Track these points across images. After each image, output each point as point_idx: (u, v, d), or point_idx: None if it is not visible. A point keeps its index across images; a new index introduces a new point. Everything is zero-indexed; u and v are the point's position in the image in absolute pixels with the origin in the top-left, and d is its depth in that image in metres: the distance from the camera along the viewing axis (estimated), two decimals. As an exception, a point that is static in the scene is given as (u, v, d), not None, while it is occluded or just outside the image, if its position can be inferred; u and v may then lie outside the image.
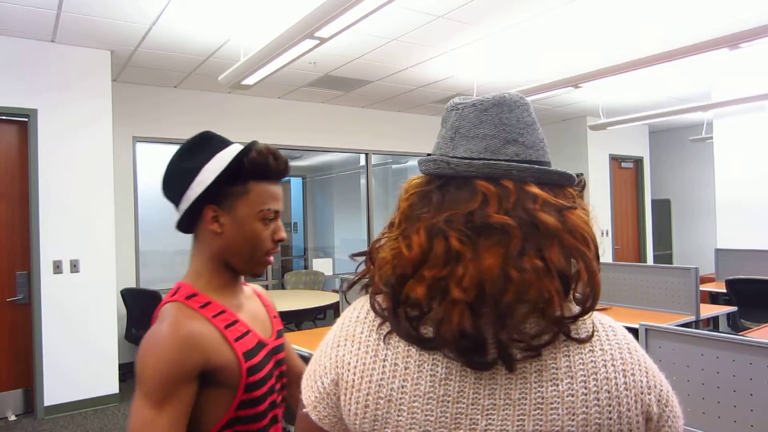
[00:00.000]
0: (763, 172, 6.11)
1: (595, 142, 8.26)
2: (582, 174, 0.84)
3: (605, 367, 0.66)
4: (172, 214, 1.15)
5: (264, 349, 1.08)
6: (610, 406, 0.64)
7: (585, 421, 0.62)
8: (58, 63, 4.38)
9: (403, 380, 0.67)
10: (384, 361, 0.69)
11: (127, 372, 5.25)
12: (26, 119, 4.28)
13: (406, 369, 0.67)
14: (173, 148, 1.18)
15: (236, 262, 1.09)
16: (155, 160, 6.02)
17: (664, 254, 9.62)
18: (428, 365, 0.66)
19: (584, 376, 0.65)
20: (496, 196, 0.68)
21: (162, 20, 3.96)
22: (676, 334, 1.87)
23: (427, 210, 0.71)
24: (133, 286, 5.52)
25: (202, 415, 0.99)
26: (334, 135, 6.95)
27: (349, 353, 0.72)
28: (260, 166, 1.05)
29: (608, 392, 0.64)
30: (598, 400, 0.63)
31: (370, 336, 0.72)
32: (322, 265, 6.86)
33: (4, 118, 4.25)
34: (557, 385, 0.64)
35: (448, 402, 0.65)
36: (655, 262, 9.15)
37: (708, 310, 4.24)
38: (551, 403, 0.63)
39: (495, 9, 3.89)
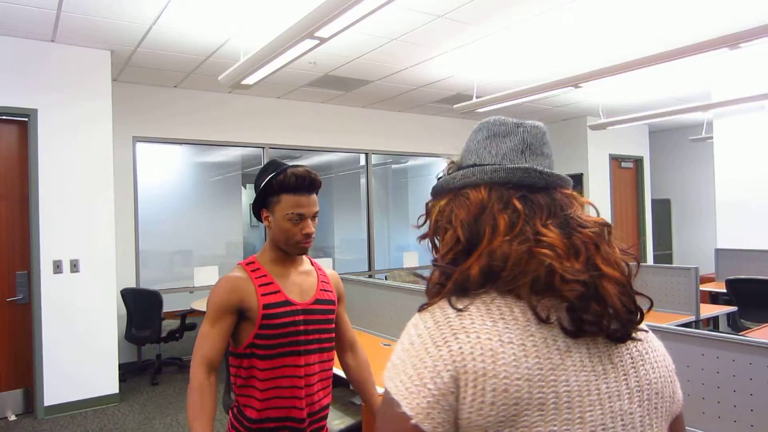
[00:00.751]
0: (763, 172, 6.11)
1: (595, 142, 8.26)
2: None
3: (657, 342, 0.85)
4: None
5: (288, 306, 1.58)
6: (666, 364, 0.83)
7: (662, 372, 0.81)
8: (58, 63, 4.38)
9: (536, 357, 0.72)
10: (511, 343, 0.72)
11: (127, 372, 5.26)
12: (26, 119, 4.28)
13: (534, 347, 0.72)
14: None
15: (281, 246, 1.63)
16: (155, 160, 6.03)
17: (664, 254, 9.62)
18: (551, 341, 0.73)
19: (651, 342, 0.83)
20: (577, 202, 0.84)
21: (162, 20, 3.96)
22: (676, 334, 1.87)
23: (539, 214, 0.79)
24: (133, 286, 5.52)
25: (238, 336, 1.58)
26: (334, 135, 6.95)
27: (469, 344, 0.72)
28: (285, 183, 1.56)
29: (663, 355, 0.84)
30: (664, 359, 0.83)
31: (484, 324, 0.73)
32: (322, 265, 6.85)
33: (4, 118, 4.25)
34: (639, 349, 0.80)
35: (576, 371, 0.73)
36: (655, 262, 9.15)
37: (708, 310, 4.24)
38: (641, 362, 0.79)
39: (495, 9, 3.89)
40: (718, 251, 5.90)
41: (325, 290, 1.69)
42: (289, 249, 1.61)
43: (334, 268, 8.15)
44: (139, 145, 5.71)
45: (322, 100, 6.65)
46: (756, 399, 1.65)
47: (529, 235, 0.76)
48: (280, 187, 1.55)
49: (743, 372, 1.69)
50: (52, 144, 4.34)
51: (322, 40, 3.30)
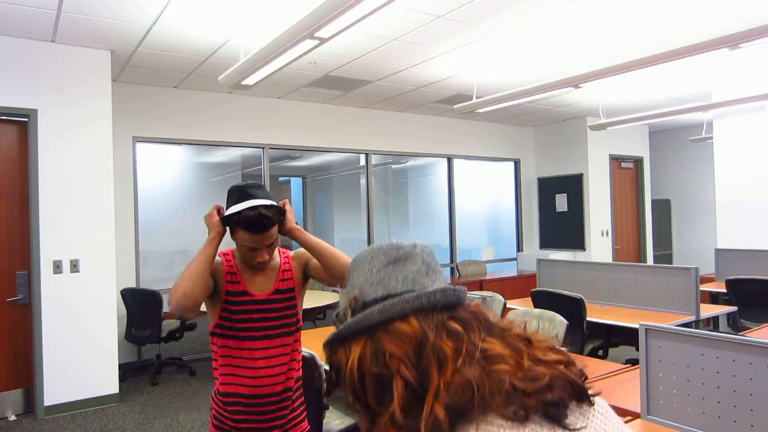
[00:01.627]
0: (763, 172, 6.11)
1: (595, 142, 8.26)
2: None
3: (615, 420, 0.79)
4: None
5: (245, 296, 1.83)
6: None
7: None
8: (58, 63, 4.38)
9: None
10: None
11: (127, 372, 5.26)
12: (26, 119, 4.28)
13: None
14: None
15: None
16: (155, 160, 6.02)
17: (664, 254, 9.62)
18: None
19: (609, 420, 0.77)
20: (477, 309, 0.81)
21: (162, 20, 3.96)
22: (676, 334, 1.87)
23: (473, 330, 0.75)
24: (133, 286, 5.52)
25: (212, 315, 1.86)
26: (334, 135, 6.95)
27: None
28: (240, 223, 1.74)
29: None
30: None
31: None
32: (289, 251, 6.84)
33: (4, 118, 4.25)
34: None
35: None
36: (655, 262, 9.15)
37: (708, 310, 4.24)
38: None
39: (495, 9, 3.89)
40: (718, 251, 5.90)
41: (284, 279, 1.89)
42: (248, 265, 1.85)
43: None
44: (139, 145, 5.71)
45: (322, 100, 6.65)
46: (756, 399, 1.65)
47: (475, 354, 0.71)
48: (235, 224, 1.75)
49: (743, 372, 1.69)
50: (52, 144, 4.34)
51: (323, 41, 3.30)
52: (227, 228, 1.82)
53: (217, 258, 1.84)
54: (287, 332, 1.87)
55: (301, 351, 1.94)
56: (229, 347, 1.81)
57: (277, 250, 1.91)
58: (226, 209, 1.80)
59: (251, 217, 1.72)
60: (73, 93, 4.44)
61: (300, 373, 1.93)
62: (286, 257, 1.95)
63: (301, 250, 1.92)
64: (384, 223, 8.00)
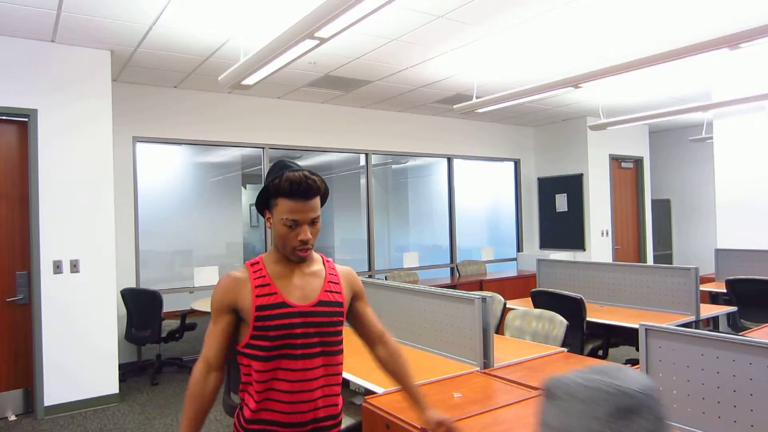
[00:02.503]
0: (763, 172, 6.11)
1: (595, 142, 8.26)
2: None
3: None
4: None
5: (284, 308, 1.56)
6: None
7: None
8: (58, 63, 4.38)
9: None
10: None
11: (127, 372, 5.26)
12: (26, 119, 4.28)
13: None
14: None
15: (279, 249, 1.61)
16: (155, 160, 6.02)
17: (664, 254, 9.62)
18: None
19: None
20: None
21: (162, 20, 3.96)
22: (676, 334, 1.87)
23: None
24: (133, 286, 5.52)
25: (238, 336, 1.60)
26: (334, 135, 6.95)
27: None
28: (280, 188, 1.54)
29: None
30: None
31: None
32: (335, 264, 6.84)
33: (4, 118, 4.25)
34: None
35: None
36: (655, 262, 9.15)
37: (708, 310, 4.24)
38: None
39: (495, 9, 3.89)
40: (718, 251, 5.90)
41: (331, 291, 1.65)
42: (287, 254, 1.60)
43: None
44: (139, 145, 5.71)
45: (322, 100, 6.65)
46: (756, 399, 1.65)
47: None
48: (275, 191, 1.54)
49: (743, 372, 1.69)
50: (52, 144, 4.34)
51: (322, 41, 3.30)
52: (265, 210, 1.61)
53: (239, 274, 1.59)
54: (331, 351, 1.61)
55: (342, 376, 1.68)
56: (256, 369, 1.54)
57: (320, 257, 1.72)
58: (260, 191, 1.60)
59: (295, 177, 1.52)
60: (73, 93, 4.44)
61: (342, 402, 1.68)
62: (332, 268, 1.72)
63: (351, 271, 1.77)
64: (384, 223, 7.99)
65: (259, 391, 1.54)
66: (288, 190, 1.52)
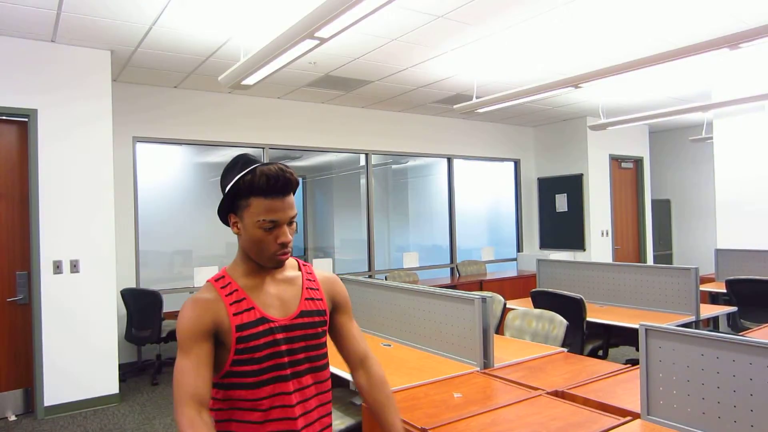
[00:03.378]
0: (763, 172, 6.11)
1: (595, 142, 8.26)
2: None
3: None
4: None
5: (266, 324, 1.34)
6: None
7: None
8: (58, 63, 4.38)
9: None
10: None
11: (127, 372, 5.26)
12: (26, 119, 4.28)
13: None
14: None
15: (252, 257, 1.38)
16: (155, 160, 6.03)
17: (664, 254, 9.62)
18: None
19: None
20: None
21: (162, 20, 3.96)
22: (676, 334, 1.87)
23: None
24: (133, 286, 5.52)
25: (215, 366, 1.32)
26: (334, 135, 6.95)
27: None
28: (255, 185, 1.31)
29: None
30: None
31: None
32: (322, 265, 6.86)
33: (4, 118, 4.25)
34: None
35: None
36: (655, 262, 9.15)
37: (708, 310, 4.24)
38: None
39: (495, 9, 3.90)
40: (718, 251, 5.90)
41: (312, 299, 1.45)
42: (263, 262, 1.37)
43: (334, 270, 8.13)
44: (139, 145, 5.71)
45: (322, 100, 6.65)
46: (756, 399, 1.65)
47: None
48: (249, 188, 1.32)
49: (743, 372, 1.69)
50: (52, 144, 4.34)
51: (323, 41, 3.30)
52: (230, 213, 1.39)
53: (207, 294, 1.34)
54: (318, 367, 1.43)
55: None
56: (246, 399, 1.32)
57: (295, 261, 1.52)
58: (225, 188, 1.37)
59: (272, 172, 1.31)
60: (73, 93, 4.44)
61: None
62: (310, 273, 1.51)
63: (333, 279, 1.56)
64: (384, 223, 8.00)
65: (256, 422, 1.31)
66: (265, 186, 1.31)
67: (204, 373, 1.27)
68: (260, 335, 1.33)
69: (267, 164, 1.34)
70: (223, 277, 1.38)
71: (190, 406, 1.23)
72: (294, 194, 1.39)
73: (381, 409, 1.51)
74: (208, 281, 1.39)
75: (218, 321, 1.31)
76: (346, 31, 3.18)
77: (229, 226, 1.40)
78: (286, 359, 1.35)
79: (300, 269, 1.50)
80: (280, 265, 1.39)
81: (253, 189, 1.31)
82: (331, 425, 1.47)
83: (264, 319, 1.35)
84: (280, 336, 1.35)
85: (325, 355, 1.46)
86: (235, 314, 1.32)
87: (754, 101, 5.72)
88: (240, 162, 1.37)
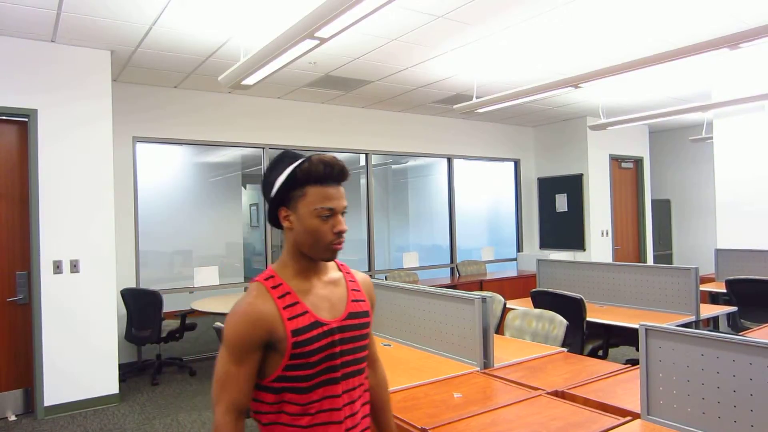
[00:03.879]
0: (763, 172, 6.11)
1: (595, 142, 8.26)
2: None
3: None
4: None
5: (320, 328, 1.32)
6: None
7: None
8: (58, 63, 4.38)
9: None
10: None
11: (127, 372, 5.26)
12: (26, 119, 4.28)
13: None
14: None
15: (306, 251, 1.35)
16: (155, 160, 6.03)
17: (664, 254, 9.62)
18: None
19: None
20: None
21: (162, 20, 3.96)
22: (676, 334, 1.87)
23: None
24: (133, 286, 5.52)
25: (264, 369, 1.31)
26: (334, 135, 6.95)
27: None
28: (312, 173, 1.30)
29: None
30: None
31: None
32: (350, 268, 6.84)
33: (4, 118, 4.25)
34: None
35: None
36: (655, 262, 9.15)
37: (708, 310, 4.24)
38: None
39: (495, 9, 3.89)
40: (718, 251, 5.90)
41: (357, 300, 1.44)
42: (318, 253, 1.36)
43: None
44: (139, 145, 5.71)
45: (322, 100, 6.65)
46: (756, 399, 1.65)
47: None
48: (305, 177, 1.30)
49: (743, 372, 1.69)
50: (52, 144, 4.34)
51: (323, 41, 3.30)
52: (275, 225, 1.38)
53: (260, 300, 1.30)
54: (363, 369, 1.42)
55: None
56: (295, 403, 1.30)
57: (334, 262, 1.48)
58: (275, 182, 1.33)
59: (328, 159, 1.31)
60: (73, 93, 4.44)
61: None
62: (349, 273, 1.51)
63: (369, 280, 1.56)
64: (384, 223, 8.00)
65: (304, 426, 1.31)
66: (322, 173, 1.31)
67: (250, 384, 1.29)
68: (314, 339, 1.31)
69: (319, 154, 1.34)
70: (273, 277, 1.35)
71: (230, 414, 1.27)
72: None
73: (381, 409, 1.57)
74: (257, 281, 1.35)
75: (272, 329, 1.28)
76: (346, 31, 3.18)
77: (277, 225, 1.37)
78: (338, 361, 1.34)
79: (340, 269, 1.49)
80: (334, 256, 1.38)
81: (310, 177, 1.30)
82: (369, 426, 1.47)
83: (317, 323, 1.32)
84: (332, 338, 1.34)
85: (366, 359, 1.46)
86: (289, 319, 1.29)
87: (754, 101, 5.72)
88: (287, 156, 1.36)
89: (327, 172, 1.31)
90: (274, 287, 1.32)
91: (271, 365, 1.30)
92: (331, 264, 1.47)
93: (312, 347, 1.30)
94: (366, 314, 1.44)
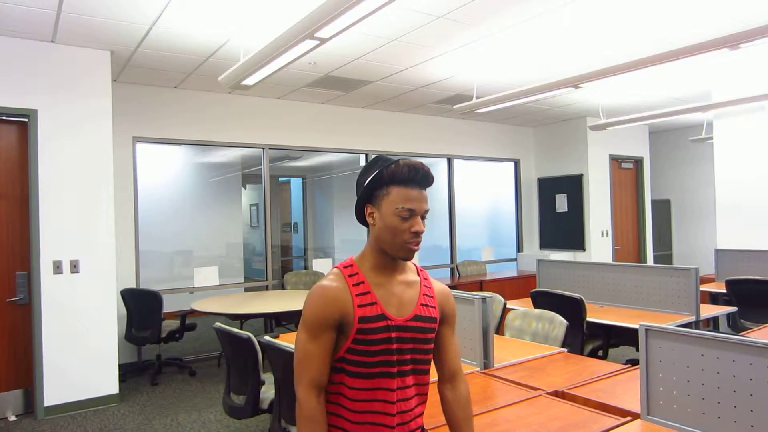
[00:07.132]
0: (763, 172, 6.11)
1: (595, 142, 8.26)
2: None
3: None
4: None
5: (384, 321, 1.41)
6: None
7: None
8: (58, 63, 4.38)
9: None
10: None
11: (127, 372, 5.26)
12: (26, 119, 4.28)
13: None
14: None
15: (385, 247, 1.45)
16: (155, 160, 6.03)
17: (664, 254, 9.62)
18: None
19: None
20: None
21: (162, 20, 3.96)
22: (676, 334, 1.87)
23: None
24: (133, 286, 5.52)
25: (334, 349, 1.42)
26: (334, 135, 6.95)
27: None
28: (396, 174, 1.41)
29: None
30: None
31: None
32: (322, 266, 6.86)
33: (4, 118, 4.25)
34: None
35: None
36: (655, 262, 9.15)
37: (708, 311, 4.24)
38: None
39: (495, 9, 3.90)
40: (718, 251, 5.90)
41: (427, 305, 1.51)
42: (395, 251, 1.44)
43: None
44: (139, 146, 5.71)
45: (322, 100, 6.65)
46: (756, 399, 1.65)
47: None
48: (390, 177, 1.41)
49: (743, 372, 1.69)
50: (52, 144, 4.34)
51: (322, 41, 3.30)
52: (361, 221, 1.50)
53: (337, 283, 1.42)
54: (422, 370, 1.49)
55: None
56: (350, 387, 1.41)
57: (413, 266, 1.57)
58: (365, 182, 1.46)
59: (413, 163, 1.41)
60: (73, 93, 4.44)
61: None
62: (427, 279, 1.57)
63: (447, 291, 1.62)
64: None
65: (355, 411, 1.41)
66: (406, 175, 1.41)
67: (327, 362, 1.40)
68: (377, 330, 1.40)
69: (407, 159, 1.44)
70: (351, 266, 1.47)
71: (311, 391, 1.38)
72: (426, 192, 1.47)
73: (458, 428, 1.58)
74: (336, 267, 1.48)
75: (344, 311, 1.39)
76: (346, 31, 3.18)
77: (363, 222, 1.49)
78: (395, 357, 1.42)
79: (418, 274, 1.56)
80: (410, 256, 1.45)
81: (394, 177, 1.41)
82: (423, 426, 1.53)
83: (383, 316, 1.42)
84: (393, 335, 1.42)
85: (430, 360, 1.53)
86: (359, 306, 1.40)
87: (754, 101, 5.72)
88: (381, 159, 1.48)
89: (411, 175, 1.41)
90: (351, 275, 1.44)
91: (338, 346, 1.41)
92: (411, 267, 1.55)
93: (374, 337, 1.39)
94: (432, 320, 1.50)
